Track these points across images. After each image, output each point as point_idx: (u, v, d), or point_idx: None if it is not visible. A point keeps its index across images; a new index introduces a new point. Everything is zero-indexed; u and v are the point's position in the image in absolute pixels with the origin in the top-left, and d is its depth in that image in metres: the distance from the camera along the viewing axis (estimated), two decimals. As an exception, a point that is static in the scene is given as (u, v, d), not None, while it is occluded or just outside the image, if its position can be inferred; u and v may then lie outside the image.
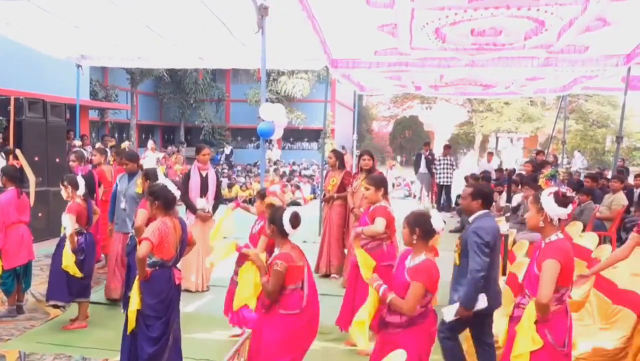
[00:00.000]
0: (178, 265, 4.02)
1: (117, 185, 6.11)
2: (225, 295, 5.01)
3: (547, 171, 6.66)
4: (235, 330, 4.99)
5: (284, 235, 3.60)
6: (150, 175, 5.23)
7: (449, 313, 3.78)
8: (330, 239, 7.10)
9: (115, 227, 5.95)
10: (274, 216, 3.64)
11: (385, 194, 4.84)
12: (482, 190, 4.03)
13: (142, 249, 3.63)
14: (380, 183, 4.82)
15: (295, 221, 3.60)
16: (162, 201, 3.80)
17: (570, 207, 3.11)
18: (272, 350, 3.49)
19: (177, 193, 3.92)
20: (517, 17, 6.49)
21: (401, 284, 3.19)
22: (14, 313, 5.52)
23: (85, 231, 5.28)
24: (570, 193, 3.17)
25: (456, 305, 3.74)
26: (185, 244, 3.96)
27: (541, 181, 6.80)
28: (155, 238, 3.64)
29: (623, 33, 7.25)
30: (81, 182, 5.30)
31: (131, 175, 6.00)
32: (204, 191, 6.44)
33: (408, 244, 3.29)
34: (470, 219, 3.94)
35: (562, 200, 3.07)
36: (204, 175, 6.49)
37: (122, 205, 5.87)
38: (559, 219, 3.09)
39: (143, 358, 3.73)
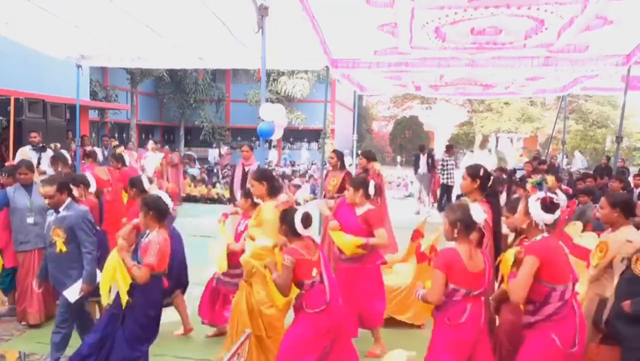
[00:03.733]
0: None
1: (6, 200, 5.32)
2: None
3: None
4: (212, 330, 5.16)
5: (296, 235, 3.64)
6: (135, 183, 5.18)
7: (73, 293, 4.13)
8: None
9: (26, 246, 5.30)
10: (285, 217, 3.69)
11: (367, 196, 4.76)
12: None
13: (144, 276, 3.60)
14: (358, 185, 4.75)
15: (307, 221, 3.66)
16: (155, 211, 3.80)
17: (557, 213, 3.16)
18: (297, 349, 3.53)
19: (170, 204, 3.93)
20: (517, 16, 6.49)
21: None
22: (14, 312, 5.52)
23: (97, 229, 5.27)
24: (557, 200, 3.24)
25: (78, 284, 4.13)
26: (176, 254, 4.01)
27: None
28: (156, 261, 3.64)
29: (623, 33, 7.25)
30: (92, 180, 5.33)
31: (27, 187, 5.36)
32: (244, 185, 7.03)
33: (450, 239, 3.32)
34: (61, 209, 4.23)
35: (549, 206, 3.14)
36: (246, 170, 7.16)
37: (30, 220, 5.24)
38: (545, 224, 3.15)
39: (132, 357, 3.74)
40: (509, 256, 3.17)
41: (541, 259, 3.02)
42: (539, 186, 5.10)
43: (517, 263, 3.13)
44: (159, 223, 3.80)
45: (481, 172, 4.20)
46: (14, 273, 5.46)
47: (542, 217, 3.13)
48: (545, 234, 3.16)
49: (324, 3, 6.51)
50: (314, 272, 3.62)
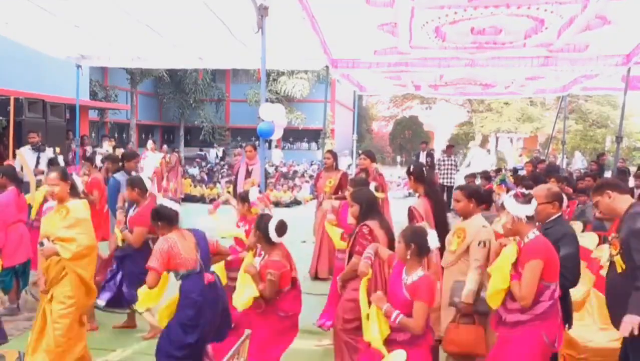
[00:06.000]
0: None
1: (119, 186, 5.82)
2: None
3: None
4: None
5: (270, 243, 3.67)
6: (135, 183, 5.15)
7: None
8: (328, 240, 7.10)
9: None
10: (260, 223, 3.72)
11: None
12: None
13: (150, 280, 3.62)
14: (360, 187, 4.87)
15: (281, 229, 3.69)
16: (164, 220, 3.79)
17: (534, 202, 3.22)
18: (271, 346, 3.67)
19: (177, 208, 3.89)
20: (517, 15, 6.50)
21: (400, 300, 3.18)
22: (16, 310, 5.54)
23: None
24: (528, 192, 3.34)
25: None
26: (205, 250, 3.91)
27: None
28: (159, 265, 3.62)
29: (623, 33, 7.26)
30: (79, 182, 5.29)
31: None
32: None
33: (402, 259, 3.27)
34: None
35: (522, 199, 3.22)
36: (250, 170, 7.29)
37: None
38: (527, 217, 3.19)
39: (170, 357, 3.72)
40: (510, 252, 3.18)
41: (545, 260, 3.06)
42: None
43: (519, 261, 3.16)
44: (170, 229, 3.79)
45: (424, 173, 4.81)
46: (14, 272, 5.47)
47: (520, 209, 3.18)
48: (536, 231, 3.20)
49: (324, 3, 6.51)
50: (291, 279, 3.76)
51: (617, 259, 3.20)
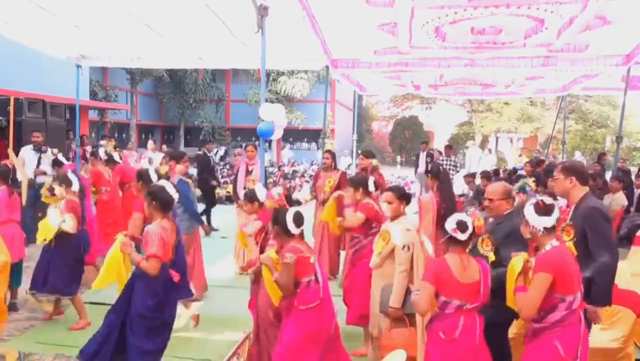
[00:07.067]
0: None
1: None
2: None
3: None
4: None
5: (289, 235, 3.62)
6: (142, 175, 5.21)
7: None
8: (327, 240, 7.12)
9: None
10: (277, 216, 3.68)
11: (367, 193, 4.88)
12: None
13: (153, 267, 3.61)
14: (357, 183, 4.93)
15: (299, 220, 3.64)
16: (159, 202, 3.79)
17: (554, 214, 3.06)
18: (297, 347, 3.51)
19: (175, 196, 3.91)
20: (517, 15, 6.50)
21: None
22: (14, 307, 5.57)
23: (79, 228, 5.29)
24: (551, 200, 3.17)
25: None
26: (181, 248, 3.96)
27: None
28: (161, 251, 3.63)
29: (623, 33, 7.25)
30: (74, 179, 5.33)
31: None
32: None
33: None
34: None
35: (543, 209, 3.06)
36: (250, 169, 7.35)
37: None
38: (545, 228, 3.05)
39: (140, 352, 3.71)
40: (516, 264, 3.10)
41: (555, 274, 2.94)
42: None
43: (524, 272, 3.08)
44: (162, 214, 3.79)
45: (440, 171, 5.17)
46: (18, 269, 5.51)
47: (538, 222, 3.05)
48: (555, 242, 3.07)
49: (324, 3, 6.50)
50: (311, 270, 3.61)
51: (570, 245, 3.21)
